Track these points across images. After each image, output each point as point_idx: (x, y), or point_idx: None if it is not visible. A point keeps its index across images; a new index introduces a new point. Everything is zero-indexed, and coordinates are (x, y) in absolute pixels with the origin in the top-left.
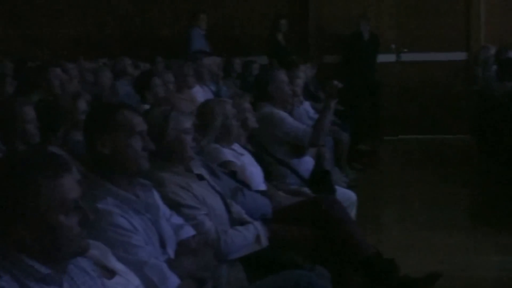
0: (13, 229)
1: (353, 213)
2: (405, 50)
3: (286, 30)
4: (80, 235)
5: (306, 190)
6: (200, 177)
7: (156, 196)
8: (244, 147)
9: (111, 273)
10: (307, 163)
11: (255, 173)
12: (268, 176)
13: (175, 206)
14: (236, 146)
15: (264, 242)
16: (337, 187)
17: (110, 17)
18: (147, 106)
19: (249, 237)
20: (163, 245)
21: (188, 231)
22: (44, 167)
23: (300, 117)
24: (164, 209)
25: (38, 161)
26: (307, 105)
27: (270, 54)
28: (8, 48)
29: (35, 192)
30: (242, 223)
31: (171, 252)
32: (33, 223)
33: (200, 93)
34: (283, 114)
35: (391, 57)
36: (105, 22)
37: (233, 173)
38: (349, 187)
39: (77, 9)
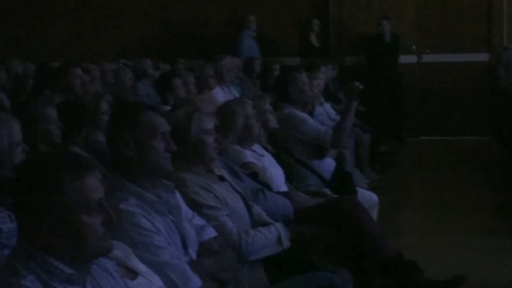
0: (38, 229)
1: (374, 214)
2: (427, 51)
3: (318, 31)
4: (103, 235)
5: (327, 191)
6: (222, 178)
7: (179, 197)
8: (265, 148)
9: (133, 273)
10: (328, 165)
11: (276, 174)
12: (289, 178)
13: (196, 206)
14: (257, 147)
15: (286, 243)
16: (358, 189)
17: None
18: (168, 107)
19: (270, 238)
20: (185, 246)
21: (210, 232)
22: (68, 168)
23: (320, 118)
24: (186, 210)
25: (62, 161)
26: (327, 106)
27: (303, 55)
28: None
29: (59, 193)
30: (264, 224)
31: (193, 253)
32: (57, 224)
33: (221, 94)
34: (304, 115)
35: (412, 58)
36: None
37: (255, 174)
38: (370, 188)
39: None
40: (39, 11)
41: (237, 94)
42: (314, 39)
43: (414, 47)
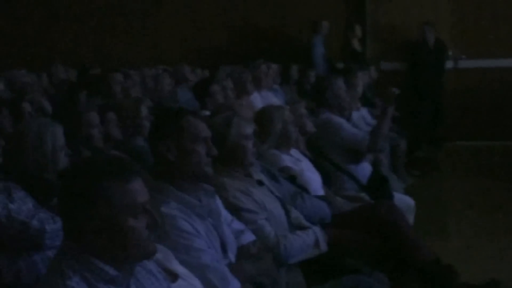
0: (84, 232)
1: (411, 219)
2: (463, 56)
3: (361, 36)
4: (148, 238)
5: (364, 195)
6: (260, 183)
7: (218, 201)
8: (303, 153)
9: (174, 276)
10: (364, 169)
11: (313, 178)
12: (326, 182)
13: (235, 210)
14: (294, 152)
15: (323, 247)
16: (394, 193)
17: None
18: (207, 113)
19: (308, 241)
20: (224, 249)
21: (249, 236)
22: (115, 172)
23: (357, 123)
24: (225, 214)
25: (108, 166)
26: (364, 111)
27: (347, 60)
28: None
29: (106, 196)
30: (302, 227)
31: (232, 256)
32: (103, 227)
33: (258, 100)
34: (341, 120)
35: (449, 64)
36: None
37: (293, 178)
38: (406, 193)
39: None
40: (79, 18)
41: (274, 100)
42: (356, 44)
43: (450, 52)
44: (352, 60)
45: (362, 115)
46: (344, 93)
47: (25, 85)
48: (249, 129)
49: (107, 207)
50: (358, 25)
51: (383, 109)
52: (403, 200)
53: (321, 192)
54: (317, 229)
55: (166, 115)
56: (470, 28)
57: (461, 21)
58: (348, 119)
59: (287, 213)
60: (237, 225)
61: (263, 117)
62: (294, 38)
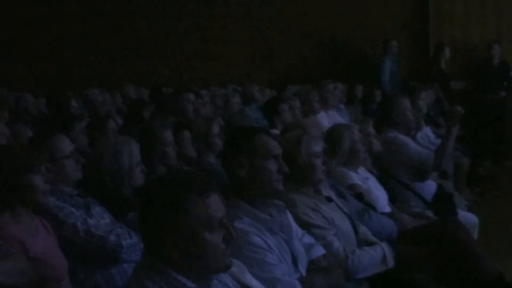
0: (163, 245)
1: (474, 235)
2: None
3: (448, 58)
4: (224, 252)
5: (429, 213)
6: (329, 199)
7: (289, 216)
8: (370, 171)
9: None
10: (429, 187)
11: (380, 196)
12: (392, 199)
13: (305, 226)
14: (361, 170)
15: (391, 262)
16: (458, 210)
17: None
18: (275, 131)
19: (376, 257)
20: (295, 263)
21: (319, 251)
22: (194, 187)
23: (421, 142)
24: (296, 229)
25: (188, 182)
26: (428, 130)
27: (433, 80)
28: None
29: (185, 211)
30: (369, 243)
31: (302, 270)
32: (181, 240)
33: (325, 118)
34: (407, 139)
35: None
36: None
37: (360, 195)
38: (469, 210)
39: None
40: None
41: (340, 119)
42: (444, 66)
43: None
44: (440, 80)
45: (425, 133)
46: (410, 112)
47: (99, 104)
48: (319, 147)
49: (186, 221)
50: (448, 47)
51: (448, 128)
52: (467, 217)
53: (387, 209)
54: (384, 245)
55: (239, 134)
56: None
57: None
58: (413, 137)
59: (355, 229)
60: (308, 239)
61: (333, 135)
62: (361, 58)
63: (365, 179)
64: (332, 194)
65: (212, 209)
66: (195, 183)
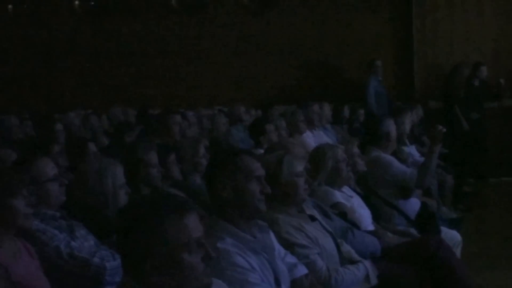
0: (142, 268)
1: (458, 252)
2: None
3: (485, 77)
4: (204, 272)
5: (413, 230)
6: (312, 218)
7: (272, 236)
8: (354, 190)
9: None
10: (413, 205)
11: (363, 214)
12: (376, 217)
13: (288, 245)
14: (345, 189)
15: (373, 280)
16: (442, 228)
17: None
18: (261, 151)
19: (359, 275)
20: (278, 283)
21: (301, 270)
22: (169, 209)
23: (405, 160)
24: (279, 249)
25: (163, 203)
26: (412, 148)
27: (467, 97)
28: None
29: (163, 233)
30: (352, 261)
31: None
32: (160, 262)
33: (311, 138)
34: (390, 158)
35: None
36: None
37: (344, 214)
38: (453, 227)
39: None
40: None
41: (326, 138)
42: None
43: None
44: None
45: (410, 152)
46: (394, 131)
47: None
48: (301, 166)
49: (163, 243)
50: (467, 69)
51: (431, 147)
52: (450, 235)
53: (371, 227)
54: (367, 263)
55: (222, 155)
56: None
57: (504, 61)
58: (397, 156)
59: (338, 247)
60: (290, 259)
61: (317, 154)
62: (346, 78)
63: (349, 197)
64: (315, 213)
65: (190, 230)
66: (170, 205)
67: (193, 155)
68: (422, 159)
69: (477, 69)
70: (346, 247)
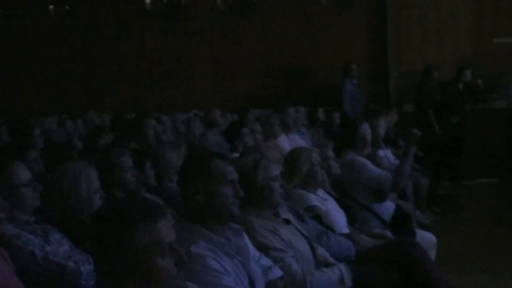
0: (115, 272)
1: (433, 254)
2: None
3: (469, 80)
4: (176, 276)
5: (388, 233)
6: (287, 222)
7: (246, 239)
8: (328, 193)
9: None
10: (388, 207)
11: (338, 217)
12: (352, 220)
13: (263, 248)
14: (320, 192)
15: (348, 283)
16: (417, 230)
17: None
18: (236, 155)
19: (333, 278)
20: (252, 286)
21: (276, 273)
22: (141, 214)
23: (380, 163)
24: (253, 252)
25: (135, 208)
26: (387, 151)
27: (449, 101)
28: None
29: (134, 238)
30: (327, 264)
31: None
32: (132, 267)
33: (286, 142)
34: (365, 161)
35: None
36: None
37: (318, 217)
38: (428, 229)
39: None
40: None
41: (301, 142)
42: (461, 87)
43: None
44: (454, 101)
45: (386, 155)
46: (369, 135)
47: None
48: (276, 170)
49: (135, 248)
50: (468, 70)
51: (405, 150)
52: (426, 237)
53: (346, 230)
54: (342, 265)
55: (195, 159)
56: (490, 69)
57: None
58: (372, 159)
59: (313, 250)
60: (265, 261)
61: (291, 158)
62: (322, 81)
63: (324, 200)
64: (290, 217)
65: (162, 235)
66: (144, 210)
67: (167, 159)
68: (397, 162)
69: (461, 73)
70: (321, 250)
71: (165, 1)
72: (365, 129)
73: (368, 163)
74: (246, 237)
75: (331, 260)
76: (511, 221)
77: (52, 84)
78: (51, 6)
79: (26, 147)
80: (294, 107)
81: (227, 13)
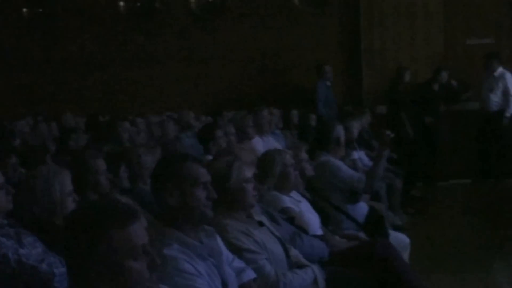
0: (88, 275)
1: (406, 255)
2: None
3: (445, 82)
4: (149, 279)
5: (361, 234)
6: (261, 224)
7: (219, 241)
8: (302, 195)
9: None
10: (361, 209)
11: (312, 219)
12: (325, 222)
13: (237, 250)
14: (294, 194)
15: (321, 284)
16: (390, 231)
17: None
18: (210, 157)
19: (307, 279)
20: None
21: (249, 274)
22: (114, 217)
23: (354, 165)
24: (226, 254)
25: (107, 210)
26: (361, 153)
27: (423, 102)
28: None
29: (106, 241)
30: (300, 266)
31: None
32: (105, 269)
33: (260, 144)
34: (339, 162)
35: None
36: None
37: (292, 219)
38: (402, 231)
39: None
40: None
41: (275, 144)
42: (437, 89)
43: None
44: (429, 102)
45: (359, 157)
46: (343, 137)
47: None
48: (249, 172)
49: (108, 251)
50: (445, 72)
51: (379, 151)
52: (399, 238)
53: (319, 231)
54: (315, 267)
55: (167, 161)
56: (463, 71)
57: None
58: (345, 161)
59: (287, 252)
60: (238, 263)
61: (265, 160)
62: (295, 83)
63: (297, 202)
64: (264, 219)
65: (135, 237)
66: (114, 212)
67: (140, 162)
68: (371, 163)
69: (438, 73)
70: (294, 252)
71: (138, 4)
72: (339, 130)
73: (341, 164)
74: (219, 239)
75: (305, 261)
76: (484, 221)
77: (26, 87)
78: (24, 9)
79: (7, 151)
80: (268, 109)
81: (200, 15)
